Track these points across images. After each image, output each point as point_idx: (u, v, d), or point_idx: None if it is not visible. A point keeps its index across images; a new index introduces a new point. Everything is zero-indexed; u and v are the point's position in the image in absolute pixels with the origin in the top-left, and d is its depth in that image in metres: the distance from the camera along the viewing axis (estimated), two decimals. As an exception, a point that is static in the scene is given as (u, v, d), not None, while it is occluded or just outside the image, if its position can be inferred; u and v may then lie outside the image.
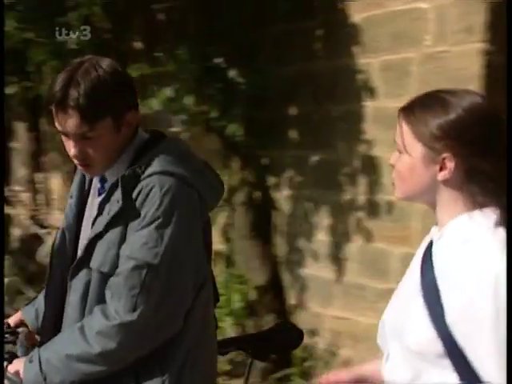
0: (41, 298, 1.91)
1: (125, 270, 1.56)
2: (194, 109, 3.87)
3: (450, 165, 1.20)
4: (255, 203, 4.14)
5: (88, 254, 1.64)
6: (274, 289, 4.01)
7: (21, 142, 6.23)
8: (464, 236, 1.21)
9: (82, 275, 1.65)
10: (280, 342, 2.07)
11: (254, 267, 4.05)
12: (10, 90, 4.05)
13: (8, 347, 1.83)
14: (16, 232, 6.63)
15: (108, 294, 1.59)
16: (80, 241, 1.73)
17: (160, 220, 1.56)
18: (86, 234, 1.71)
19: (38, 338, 1.86)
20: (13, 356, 1.70)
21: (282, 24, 3.89)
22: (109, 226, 1.61)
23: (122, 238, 1.60)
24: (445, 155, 1.20)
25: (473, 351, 1.15)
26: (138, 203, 1.58)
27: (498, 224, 1.19)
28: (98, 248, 1.63)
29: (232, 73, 3.70)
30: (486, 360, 1.14)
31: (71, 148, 1.62)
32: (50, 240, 5.17)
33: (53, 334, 1.69)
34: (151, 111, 3.95)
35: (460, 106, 1.20)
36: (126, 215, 1.59)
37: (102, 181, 1.71)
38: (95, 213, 1.68)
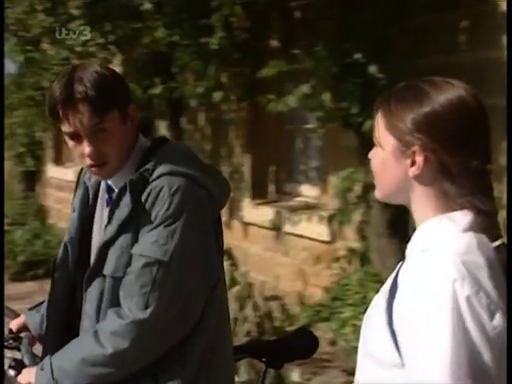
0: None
1: (136, 269, 1.56)
2: (331, 105, 3.87)
3: (419, 159, 1.12)
4: (392, 201, 4.05)
5: (100, 262, 1.63)
6: (411, 288, 3.91)
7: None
8: (425, 244, 1.13)
9: (96, 284, 1.64)
10: (295, 349, 2.00)
11: (391, 266, 3.96)
12: (155, 90, 4.26)
13: (11, 353, 1.82)
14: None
15: (121, 294, 1.59)
16: (92, 252, 1.72)
17: (170, 219, 1.55)
18: (96, 246, 1.71)
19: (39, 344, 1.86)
20: (20, 363, 1.68)
21: (421, 17, 3.78)
22: (119, 232, 1.60)
23: (134, 243, 1.59)
24: (414, 149, 1.12)
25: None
26: (147, 206, 1.57)
27: (466, 229, 1.10)
28: (111, 255, 1.61)
29: (372, 68, 3.65)
30: None
31: (85, 148, 1.59)
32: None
33: (55, 345, 1.68)
34: (287, 108, 4.00)
35: (436, 98, 1.12)
36: (137, 219, 1.59)
37: (109, 191, 1.70)
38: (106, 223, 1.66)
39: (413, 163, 1.13)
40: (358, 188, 4.17)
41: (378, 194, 1.23)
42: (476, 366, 1.01)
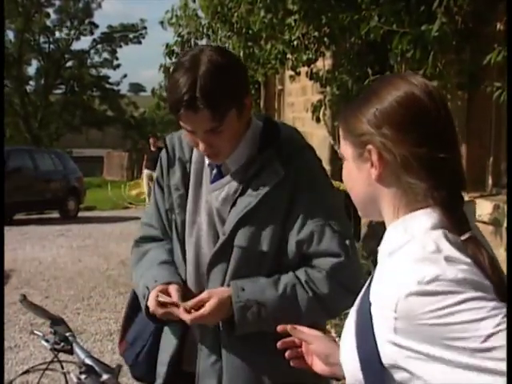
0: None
1: (329, 229, 1.66)
2: None
3: (375, 158, 1.08)
4: None
5: (233, 235, 1.67)
6: None
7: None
8: (391, 247, 1.07)
9: (224, 257, 1.68)
10: None
11: None
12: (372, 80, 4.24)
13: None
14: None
15: (324, 244, 1.66)
16: (196, 227, 1.76)
17: (320, 184, 1.69)
18: (196, 219, 1.76)
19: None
20: (91, 368, 1.62)
21: None
22: (260, 203, 1.65)
23: (274, 213, 1.65)
24: (368, 148, 1.08)
25: None
26: (290, 177, 1.65)
27: (431, 228, 1.04)
28: (247, 226, 1.66)
29: None
30: None
31: (199, 143, 1.65)
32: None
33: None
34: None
35: (385, 95, 1.08)
36: (278, 191, 1.65)
37: (218, 165, 1.75)
38: (224, 194, 1.71)
39: (372, 165, 1.09)
40: None
41: (360, 215, 1.20)
42: None
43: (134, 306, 1.89)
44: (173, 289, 1.70)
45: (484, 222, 4.64)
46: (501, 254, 4.58)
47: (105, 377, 1.63)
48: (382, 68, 4.93)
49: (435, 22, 3.82)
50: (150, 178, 14.70)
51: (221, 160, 1.73)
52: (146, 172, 15.50)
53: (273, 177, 1.67)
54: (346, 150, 1.14)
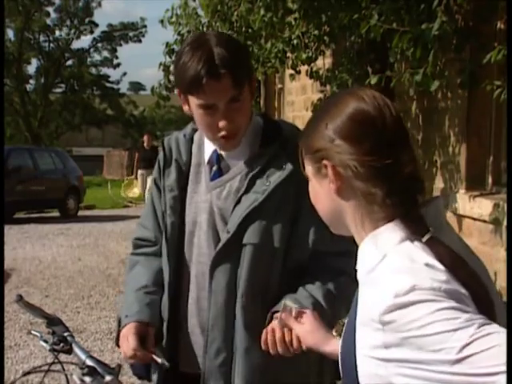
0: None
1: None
2: None
3: (330, 171, 1.10)
4: None
5: (240, 232, 1.65)
6: None
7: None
8: (368, 265, 1.08)
9: (230, 257, 1.66)
10: None
11: None
12: (372, 80, 4.25)
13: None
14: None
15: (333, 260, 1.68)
16: (197, 227, 1.74)
17: None
18: (197, 219, 1.75)
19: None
20: (93, 369, 1.63)
21: None
22: (266, 199, 1.64)
23: (278, 209, 1.64)
24: (324, 162, 1.11)
25: None
26: (296, 171, 1.61)
27: (401, 240, 1.05)
28: (255, 223, 1.65)
29: None
30: None
31: (221, 119, 1.63)
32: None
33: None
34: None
35: (334, 111, 1.12)
36: (283, 186, 1.65)
37: (218, 162, 1.74)
38: (226, 192, 1.70)
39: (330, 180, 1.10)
40: None
41: (330, 228, 1.20)
42: None
43: None
44: (151, 333, 1.74)
45: (484, 221, 4.64)
46: (501, 254, 4.59)
47: (107, 378, 1.62)
48: (382, 67, 4.92)
49: (435, 20, 3.82)
50: (143, 178, 14.56)
51: (235, 144, 1.71)
52: (139, 172, 15.16)
53: (280, 172, 1.67)
54: (308, 167, 1.18)
